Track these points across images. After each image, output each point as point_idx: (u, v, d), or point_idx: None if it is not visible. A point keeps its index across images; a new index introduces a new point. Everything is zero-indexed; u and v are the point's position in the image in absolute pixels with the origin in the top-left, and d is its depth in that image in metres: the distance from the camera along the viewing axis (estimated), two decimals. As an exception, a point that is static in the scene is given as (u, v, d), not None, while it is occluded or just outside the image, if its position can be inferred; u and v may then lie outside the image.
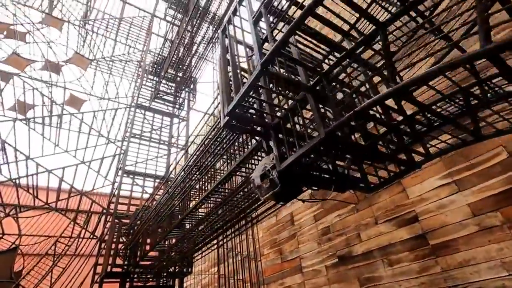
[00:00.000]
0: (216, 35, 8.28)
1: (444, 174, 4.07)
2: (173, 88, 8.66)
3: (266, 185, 1.62)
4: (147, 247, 5.18)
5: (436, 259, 3.94)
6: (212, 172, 3.54)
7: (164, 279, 5.90)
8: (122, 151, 7.22)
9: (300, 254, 7.28)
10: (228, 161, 3.08)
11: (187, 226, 4.73)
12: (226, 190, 3.32)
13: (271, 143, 1.80)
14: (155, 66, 8.70)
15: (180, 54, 8.38)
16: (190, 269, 5.91)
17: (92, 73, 8.91)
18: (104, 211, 6.32)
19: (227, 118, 1.66)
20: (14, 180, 5.69)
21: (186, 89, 8.61)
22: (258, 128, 1.85)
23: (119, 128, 7.83)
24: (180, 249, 5.00)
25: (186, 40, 8.15)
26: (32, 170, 6.11)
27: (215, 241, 7.25)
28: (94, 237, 6.32)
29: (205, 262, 10.03)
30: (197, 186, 3.82)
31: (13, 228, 6.32)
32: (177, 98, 8.73)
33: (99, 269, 6.11)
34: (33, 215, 6.37)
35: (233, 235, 8.11)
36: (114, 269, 5.30)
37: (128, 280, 5.28)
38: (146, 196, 6.77)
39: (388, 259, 5.15)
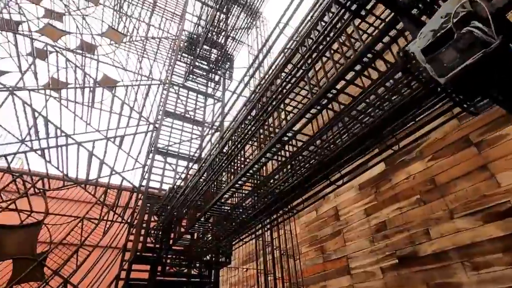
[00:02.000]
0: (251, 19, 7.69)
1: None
2: (207, 66, 8.12)
3: (460, 46, 0.87)
4: (182, 230, 4.54)
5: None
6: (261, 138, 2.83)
7: (199, 269, 5.23)
8: (155, 129, 6.72)
9: (347, 254, 6.37)
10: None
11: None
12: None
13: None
14: (190, 44, 8.22)
15: (214, 32, 7.86)
16: (227, 260, 5.21)
17: (125, 54, 8.60)
18: (135, 189, 5.79)
19: None
20: (43, 151, 5.30)
21: (221, 69, 8.05)
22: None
23: (152, 106, 7.39)
24: (217, 234, 4.30)
25: (221, 22, 7.62)
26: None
27: (253, 230, 6.49)
28: (123, 220, 5.79)
29: (242, 257, 9.19)
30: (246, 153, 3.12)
31: (40, 207, 5.93)
32: (212, 76, 8.16)
33: (127, 254, 5.58)
34: (61, 193, 5.98)
35: (269, 226, 7.34)
36: (145, 254, 4.71)
37: (159, 265, 4.67)
38: (176, 179, 6.20)
39: (471, 262, 4.15)
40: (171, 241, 4.54)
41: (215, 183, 3.79)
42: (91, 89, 7.47)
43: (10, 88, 5.69)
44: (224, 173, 3.64)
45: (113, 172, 5.65)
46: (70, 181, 5.25)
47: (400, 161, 5.59)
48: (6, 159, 4.95)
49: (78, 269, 4.75)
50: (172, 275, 4.78)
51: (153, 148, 6.14)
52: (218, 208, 3.69)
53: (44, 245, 5.00)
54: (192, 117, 7.24)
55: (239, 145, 3.23)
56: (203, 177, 3.65)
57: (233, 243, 4.48)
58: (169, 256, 4.76)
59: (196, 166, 6.35)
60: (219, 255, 5.09)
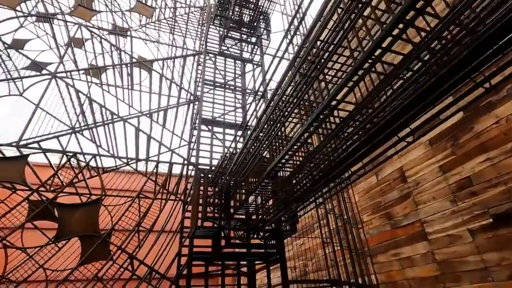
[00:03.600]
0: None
1: None
2: (242, 30, 7.53)
3: None
4: (243, 197, 4.21)
5: None
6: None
7: (263, 239, 4.91)
8: (197, 100, 6.42)
9: (421, 218, 5.64)
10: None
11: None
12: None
13: None
14: (221, 9, 7.67)
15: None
16: (292, 228, 4.83)
17: (156, 28, 8.29)
18: (186, 162, 5.57)
19: None
20: (92, 135, 5.27)
21: (257, 30, 7.44)
22: None
23: (190, 78, 7.10)
24: (282, 199, 3.88)
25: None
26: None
27: (316, 195, 5.97)
28: (178, 197, 5.65)
29: (300, 229, 8.72)
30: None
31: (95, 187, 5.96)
32: (249, 39, 7.59)
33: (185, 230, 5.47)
34: (111, 173, 5.99)
35: (330, 193, 6.81)
36: (205, 226, 4.49)
37: (221, 237, 4.43)
38: (228, 146, 5.84)
39: None
40: (231, 211, 4.24)
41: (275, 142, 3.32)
42: (129, 70, 7.38)
43: (52, 73, 5.65)
44: (286, 124, 3.15)
45: (162, 147, 5.47)
46: (120, 158, 5.15)
47: (485, 104, 4.65)
48: (58, 140, 4.93)
49: (141, 245, 4.72)
50: (235, 246, 4.51)
51: (198, 118, 5.84)
52: (282, 166, 3.25)
53: (103, 224, 4.96)
54: (233, 85, 6.80)
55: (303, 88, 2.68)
56: (262, 132, 3.19)
57: (298, 209, 4.05)
58: (231, 226, 4.48)
59: (242, 138, 5.96)
60: (283, 224, 4.70)
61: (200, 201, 4.37)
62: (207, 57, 7.01)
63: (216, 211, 4.33)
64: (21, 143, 4.61)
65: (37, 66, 7.05)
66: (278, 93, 2.95)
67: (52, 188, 5.03)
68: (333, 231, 6.77)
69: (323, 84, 2.59)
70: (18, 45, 8.03)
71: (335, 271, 6.39)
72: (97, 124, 5.50)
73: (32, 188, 4.46)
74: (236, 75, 7.25)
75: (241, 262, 5.83)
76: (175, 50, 7.49)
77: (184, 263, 4.86)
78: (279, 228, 4.79)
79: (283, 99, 2.92)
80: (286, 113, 2.83)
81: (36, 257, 6.17)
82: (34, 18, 8.10)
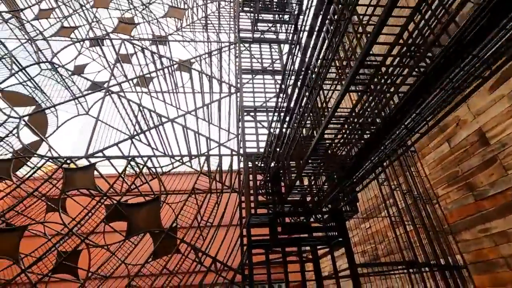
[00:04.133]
0: None
1: None
2: (273, 10, 7.21)
3: None
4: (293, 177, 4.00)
5: None
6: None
7: (323, 221, 4.62)
8: (237, 91, 6.39)
9: (513, 185, 4.72)
10: None
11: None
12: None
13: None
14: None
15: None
16: (353, 208, 4.46)
17: (192, 35, 8.49)
18: (234, 153, 5.57)
19: None
20: (145, 134, 5.66)
21: (288, 7, 7.06)
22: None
23: (229, 70, 7.13)
24: (332, 174, 3.56)
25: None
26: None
27: (374, 165, 5.42)
28: (231, 189, 5.72)
29: (369, 209, 8.09)
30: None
31: (154, 187, 6.37)
32: (281, 18, 7.25)
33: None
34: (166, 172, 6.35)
35: (391, 160, 6.16)
36: (259, 213, 4.42)
37: (277, 224, 4.31)
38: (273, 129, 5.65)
39: None
40: (283, 195, 4.07)
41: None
42: (171, 74, 7.76)
43: (106, 88, 6.17)
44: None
45: (210, 141, 5.57)
46: (174, 156, 5.39)
47: None
48: (118, 147, 5.37)
49: (204, 238, 4.91)
50: (292, 231, 4.33)
51: (240, 108, 5.79)
52: (331, 141, 2.93)
53: (170, 221, 5.23)
54: (271, 70, 6.59)
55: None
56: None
57: (355, 183, 3.66)
58: (285, 210, 4.32)
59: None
60: (342, 203, 4.34)
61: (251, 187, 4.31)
62: (242, 46, 6.92)
63: (268, 197, 4.21)
64: (88, 154, 5.15)
65: (96, 86, 7.83)
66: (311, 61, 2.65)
67: (120, 192, 5.51)
68: (402, 210, 6.10)
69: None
70: (79, 70, 9.06)
71: (410, 253, 5.76)
72: (149, 128, 5.84)
73: (103, 191, 4.94)
74: (274, 59, 7.02)
75: (304, 249, 5.64)
76: (210, 46, 7.58)
77: (244, 252, 4.87)
78: (338, 208, 4.45)
79: (317, 64, 2.61)
80: (322, 75, 2.51)
81: (118, 254, 6.90)
82: (88, 44, 9.06)
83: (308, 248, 5.54)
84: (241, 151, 5.57)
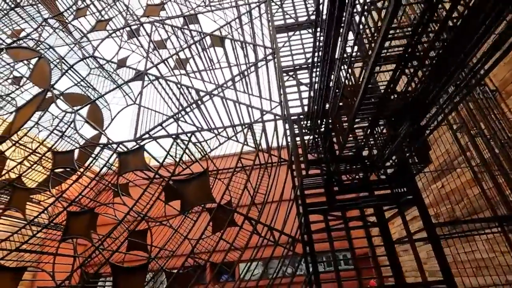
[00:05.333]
0: None
1: None
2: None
3: None
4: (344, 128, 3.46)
5: None
6: None
7: (387, 179, 4.03)
8: (273, 53, 5.92)
9: None
10: None
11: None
12: None
13: None
14: None
15: None
16: (422, 159, 3.75)
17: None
18: (277, 117, 5.21)
19: None
20: (187, 112, 5.66)
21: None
22: None
23: (262, 32, 6.65)
24: (392, 111, 2.92)
25: None
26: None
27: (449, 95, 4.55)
28: (281, 159, 5.41)
29: (444, 165, 6.92)
30: None
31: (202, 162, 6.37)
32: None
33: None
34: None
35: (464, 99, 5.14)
36: (311, 174, 4.02)
37: (332, 184, 3.87)
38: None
39: None
40: (336, 152, 3.59)
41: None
42: (206, 51, 7.62)
43: (143, 71, 6.25)
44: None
45: (252, 110, 5.27)
46: (217, 129, 5.26)
47: None
48: (163, 128, 5.43)
49: (260, 210, 4.75)
50: (352, 190, 3.85)
51: (279, 69, 5.33)
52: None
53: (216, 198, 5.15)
54: (306, 22, 5.89)
55: None
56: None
57: (422, 127, 2.97)
58: (341, 168, 3.84)
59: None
60: (409, 153, 3.67)
61: (300, 151, 3.90)
62: (273, 3, 6.32)
63: (320, 155, 3.78)
64: (137, 137, 5.31)
65: (140, 76, 8.10)
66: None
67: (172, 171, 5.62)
68: (489, 160, 5.06)
69: None
70: (122, 63, 9.50)
71: (502, 209, 4.80)
72: (189, 104, 5.78)
73: (154, 170, 5.06)
74: (309, 12, 6.26)
75: (366, 213, 5.11)
76: (239, 11, 7.12)
77: (300, 219, 4.58)
78: (405, 160, 3.78)
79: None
80: None
81: (180, 232, 7.24)
82: (126, 37, 9.42)
83: (371, 212, 4.99)
84: (285, 115, 5.17)
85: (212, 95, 5.53)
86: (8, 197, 5.38)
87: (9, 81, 8.39)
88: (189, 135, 5.16)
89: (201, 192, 4.60)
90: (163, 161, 5.22)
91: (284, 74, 5.37)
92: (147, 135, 5.31)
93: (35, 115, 6.62)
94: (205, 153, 5.14)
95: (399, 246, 9.38)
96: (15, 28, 9.69)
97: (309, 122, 4.28)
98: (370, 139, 3.57)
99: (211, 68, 8.01)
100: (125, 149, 5.54)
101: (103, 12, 8.20)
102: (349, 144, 3.77)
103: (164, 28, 7.77)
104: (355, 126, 3.65)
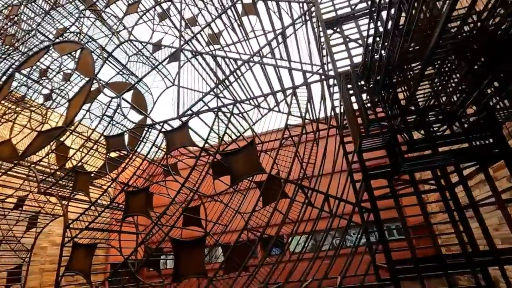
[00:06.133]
0: None
1: None
2: None
3: None
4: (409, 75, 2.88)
5: None
6: None
7: (466, 129, 3.38)
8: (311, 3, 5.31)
9: None
10: None
11: None
12: None
13: None
14: None
15: None
16: None
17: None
18: (324, 77, 4.72)
19: None
20: (226, 86, 5.43)
21: None
22: None
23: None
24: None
25: None
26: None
27: None
28: (330, 125, 4.97)
29: None
30: None
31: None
32: None
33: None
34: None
35: None
36: (371, 134, 3.54)
37: (397, 143, 3.36)
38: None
39: None
40: (400, 102, 3.05)
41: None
42: (240, 20, 7.22)
43: (177, 48, 6.10)
44: None
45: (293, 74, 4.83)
46: (256, 98, 4.97)
47: None
48: (204, 102, 5.30)
49: (316, 178, 4.48)
50: (426, 145, 3.31)
51: (320, 23, 4.76)
52: None
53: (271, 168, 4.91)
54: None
55: None
56: None
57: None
58: (408, 123, 3.30)
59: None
60: (494, 96, 2.98)
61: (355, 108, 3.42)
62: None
63: (379, 103, 3.29)
64: (180, 114, 5.27)
65: (173, 55, 8.08)
66: None
67: (217, 146, 5.54)
68: None
69: None
70: (157, 48, 9.56)
71: None
72: (227, 76, 5.54)
73: (199, 146, 5.00)
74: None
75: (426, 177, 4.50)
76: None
77: (361, 184, 4.19)
78: (489, 107, 3.11)
79: None
80: None
81: (231, 205, 7.29)
82: (158, 19, 9.40)
83: (429, 175, 4.37)
84: (331, 74, 4.65)
85: (250, 62, 5.20)
86: (72, 183, 5.81)
87: (60, 76, 8.94)
88: (230, 107, 4.95)
89: (249, 163, 4.43)
90: (208, 137, 5.13)
91: (327, 29, 4.77)
92: (189, 112, 5.23)
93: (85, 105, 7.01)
94: (248, 124, 4.92)
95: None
96: (59, 27, 10.23)
97: (363, 78, 3.74)
98: (450, 82, 2.97)
99: (245, 38, 7.62)
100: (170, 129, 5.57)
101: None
102: (418, 94, 3.19)
103: (194, 2, 7.50)
104: (426, 72, 3.05)
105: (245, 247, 6.38)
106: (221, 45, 7.90)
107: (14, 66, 7.95)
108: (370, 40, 3.43)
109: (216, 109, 5.06)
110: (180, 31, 6.78)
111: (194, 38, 8.06)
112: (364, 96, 4.15)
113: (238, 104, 5.51)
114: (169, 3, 8.71)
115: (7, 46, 8.75)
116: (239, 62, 5.43)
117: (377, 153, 4.40)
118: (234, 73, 5.55)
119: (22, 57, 8.24)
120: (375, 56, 3.32)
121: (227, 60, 6.70)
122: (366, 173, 3.77)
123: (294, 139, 5.54)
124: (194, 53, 6.17)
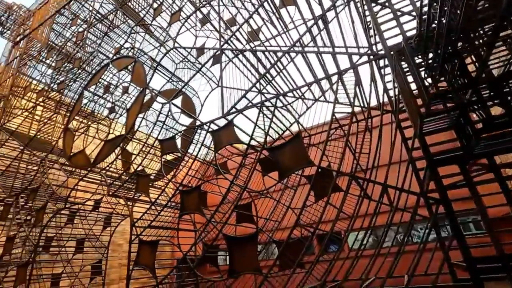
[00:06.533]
0: None
1: None
2: None
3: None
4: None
5: None
6: None
7: None
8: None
9: None
10: None
11: None
12: None
13: None
14: None
15: None
16: None
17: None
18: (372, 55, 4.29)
19: None
20: (268, 81, 5.31)
21: None
22: None
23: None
24: None
25: None
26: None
27: None
28: (383, 110, 4.51)
29: None
30: None
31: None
32: None
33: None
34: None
35: None
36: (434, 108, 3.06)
37: (469, 123, 2.85)
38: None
39: None
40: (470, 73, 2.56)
41: None
42: (278, 13, 7.09)
43: (218, 48, 6.20)
44: None
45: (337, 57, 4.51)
46: (299, 88, 4.76)
47: None
48: (247, 98, 5.30)
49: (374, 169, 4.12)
50: (505, 122, 2.74)
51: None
52: None
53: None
54: None
55: None
56: None
57: None
58: (482, 96, 2.78)
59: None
60: None
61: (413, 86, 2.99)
62: None
63: (443, 75, 2.83)
64: (224, 113, 5.35)
65: (215, 58, 8.30)
66: None
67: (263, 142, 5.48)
68: None
69: None
70: (201, 52, 9.92)
71: None
72: (268, 70, 5.44)
73: (245, 143, 5.01)
74: None
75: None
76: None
77: (424, 174, 3.69)
78: None
79: None
80: None
81: (282, 201, 7.18)
82: (200, 26, 9.76)
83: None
84: (380, 52, 4.21)
85: (290, 52, 5.02)
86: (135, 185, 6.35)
87: (120, 89, 9.89)
88: (273, 101, 4.85)
89: (296, 156, 4.26)
90: (253, 133, 5.10)
91: (373, 5, 4.32)
92: (233, 110, 5.28)
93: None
94: (294, 117, 4.75)
95: None
96: (116, 46, 11.35)
97: (419, 51, 3.28)
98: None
99: (285, 30, 7.44)
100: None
101: (174, 5, 8.59)
102: (492, 60, 2.67)
103: (232, 3, 7.57)
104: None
105: (299, 243, 6.22)
106: (261, 41, 7.84)
107: (82, 85, 9.03)
108: (425, 8, 2.99)
109: (259, 104, 5.01)
110: (220, 32, 6.90)
111: (234, 37, 8.16)
112: (422, 73, 3.66)
113: (281, 97, 5.37)
114: (209, 7, 8.97)
115: (76, 69, 9.99)
116: (279, 54, 5.28)
117: (442, 135, 3.84)
118: (276, 66, 5.43)
119: (88, 76, 9.32)
120: (433, 24, 2.88)
121: (267, 54, 6.60)
122: (431, 159, 3.31)
123: (344, 128, 5.19)
124: (234, 51, 6.21)
